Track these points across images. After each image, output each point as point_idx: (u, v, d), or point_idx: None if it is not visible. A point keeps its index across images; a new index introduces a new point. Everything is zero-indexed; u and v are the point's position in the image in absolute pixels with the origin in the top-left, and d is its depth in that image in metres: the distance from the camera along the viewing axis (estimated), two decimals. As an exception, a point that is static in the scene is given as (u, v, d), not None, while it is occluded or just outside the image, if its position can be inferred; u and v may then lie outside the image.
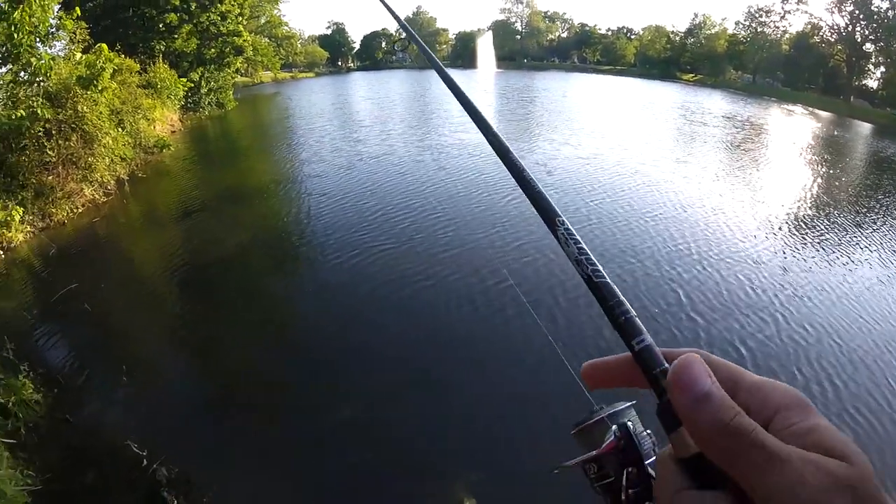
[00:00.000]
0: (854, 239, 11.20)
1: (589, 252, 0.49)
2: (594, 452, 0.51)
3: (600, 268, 0.48)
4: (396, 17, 1.65)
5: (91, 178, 12.38)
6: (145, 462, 4.68)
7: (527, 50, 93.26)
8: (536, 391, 5.62)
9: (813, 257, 9.86)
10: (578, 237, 0.51)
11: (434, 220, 10.76)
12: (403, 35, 1.53)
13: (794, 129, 29.96)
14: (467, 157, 16.46)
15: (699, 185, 14.81)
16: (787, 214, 12.54)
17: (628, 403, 0.53)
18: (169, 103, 22.73)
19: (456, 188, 13.28)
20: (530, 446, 4.82)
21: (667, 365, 0.41)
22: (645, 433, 0.50)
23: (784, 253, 9.93)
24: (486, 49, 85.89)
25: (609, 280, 0.47)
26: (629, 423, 0.51)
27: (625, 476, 0.48)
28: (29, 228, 10.02)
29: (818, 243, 10.71)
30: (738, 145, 22.37)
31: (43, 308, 7.66)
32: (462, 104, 0.89)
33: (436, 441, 5.07)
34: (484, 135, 0.78)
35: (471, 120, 0.84)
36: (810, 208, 13.56)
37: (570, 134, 21.98)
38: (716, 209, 12.35)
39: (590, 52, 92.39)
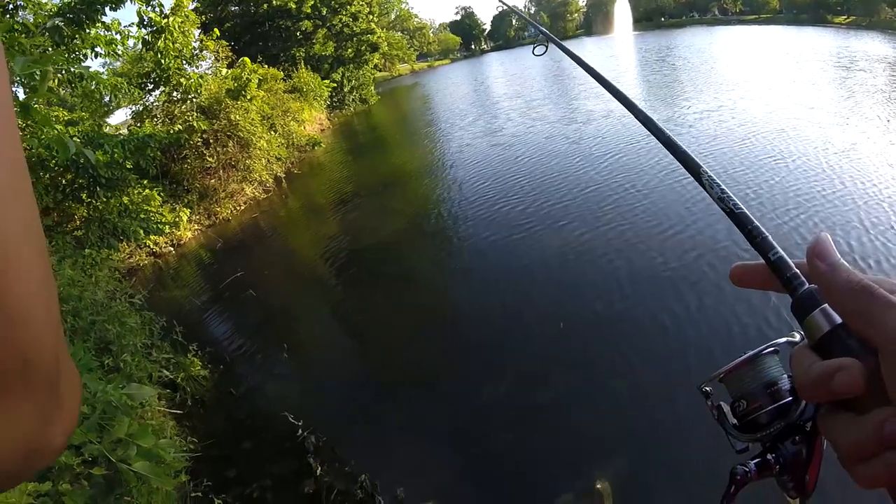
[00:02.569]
0: None
1: (728, 191, 0.57)
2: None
3: (738, 202, 0.55)
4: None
5: (250, 178, 13.25)
6: (299, 431, 4.77)
7: (664, 7, 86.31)
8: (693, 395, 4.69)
9: None
10: (719, 181, 0.59)
11: (584, 198, 9.71)
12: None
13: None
14: (608, 127, 15.11)
15: (837, 132, 11.75)
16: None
17: (772, 349, 0.54)
18: (316, 104, 24.02)
19: (605, 165, 12.10)
20: (681, 445, 4.09)
21: (795, 269, 0.46)
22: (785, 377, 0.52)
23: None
24: (621, 12, 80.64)
25: (746, 210, 0.54)
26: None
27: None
28: (196, 227, 10.91)
29: None
30: (891, 91, 17.77)
31: (211, 294, 8.24)
32: (603, 85, 1.01)
33: (584, 427, 4.54)
34: (629, 109, 0.89)
35: (617, 100, 0.95)
36: None
37: (710, 91, 19.15)
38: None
39: (731, 2, 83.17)
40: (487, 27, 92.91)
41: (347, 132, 24.51)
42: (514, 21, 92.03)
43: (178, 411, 4.97)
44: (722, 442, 0.53)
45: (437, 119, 24.22)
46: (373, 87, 32.52)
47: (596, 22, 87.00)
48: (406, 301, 7.33)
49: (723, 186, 0.57)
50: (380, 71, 41.19)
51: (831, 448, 0.42)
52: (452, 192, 11.86)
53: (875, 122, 12.74)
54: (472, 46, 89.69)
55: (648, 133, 0.79)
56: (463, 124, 20.13)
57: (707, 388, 0.59)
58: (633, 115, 0.86)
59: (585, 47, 57.19)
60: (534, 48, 1.93)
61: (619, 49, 46.72)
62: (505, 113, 20.89)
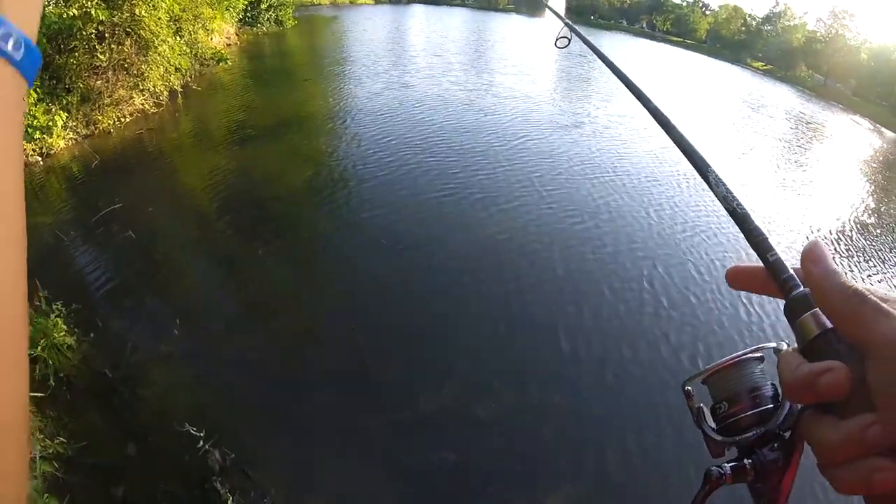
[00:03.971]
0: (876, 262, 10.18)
1: (734, 191, 0.57)
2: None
3: (741, 202, 0.55)
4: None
5: (143, 86, 11.68)
6: (200, 442, 4.03)
7: (596, 7, 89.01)
8: (648, 399, 4.80)
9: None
10: (724, 180, 0.59)
11: (498, 172, 10.15)
12: None
13: (854, 140, 26.76)
14: (526, 108, 15.88)
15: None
16: (815, 217, 11.50)
17: (758, 355, 0.53)
18: (227, 16, 21.66)
19: (518, 145, 12.37)
20: (635, 461, 4.13)
21: (791, 272, 0.47)
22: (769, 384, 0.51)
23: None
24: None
25: (748, 211, 0.54)
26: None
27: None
28: (72, 135, 9.39)
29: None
30: (788, 141, 20.29)
31: (82, 229, 7.03)
32: (627, 85, 1.04)
33: (528, 438, 4.42)
34: (644, 106, 0.90)
35: (636, 98, 0.95)
36: (847, 220, 12.12)
37: (622, 96, 20.34)
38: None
39: (660, 19, 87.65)
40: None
41: (255, 53, 22.52)
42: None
43: (39, 393, 4.01)
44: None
45: (352, 59, 23.06)
46: (291, 10, 30.19)
47: (528, 3, 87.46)
48: (322, 267, 6.78)
49: (728, 186, 0.58)
50: (301, -6, 38.38)
51: (805, 464, 0.43)
52: (361, 142, 11.42)
53: (768, 164, 14.44)
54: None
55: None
56: (378, 70, 19.65)
57: (688, 388, 0.57)
58: (651, 115, 0.86)
59: (513, 23, 57.85)
60: (556, 40, 1.94)
61: (547, 33, 47.71)
62: (422, 70, 20.82)
